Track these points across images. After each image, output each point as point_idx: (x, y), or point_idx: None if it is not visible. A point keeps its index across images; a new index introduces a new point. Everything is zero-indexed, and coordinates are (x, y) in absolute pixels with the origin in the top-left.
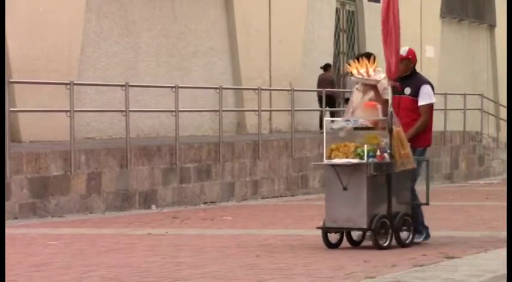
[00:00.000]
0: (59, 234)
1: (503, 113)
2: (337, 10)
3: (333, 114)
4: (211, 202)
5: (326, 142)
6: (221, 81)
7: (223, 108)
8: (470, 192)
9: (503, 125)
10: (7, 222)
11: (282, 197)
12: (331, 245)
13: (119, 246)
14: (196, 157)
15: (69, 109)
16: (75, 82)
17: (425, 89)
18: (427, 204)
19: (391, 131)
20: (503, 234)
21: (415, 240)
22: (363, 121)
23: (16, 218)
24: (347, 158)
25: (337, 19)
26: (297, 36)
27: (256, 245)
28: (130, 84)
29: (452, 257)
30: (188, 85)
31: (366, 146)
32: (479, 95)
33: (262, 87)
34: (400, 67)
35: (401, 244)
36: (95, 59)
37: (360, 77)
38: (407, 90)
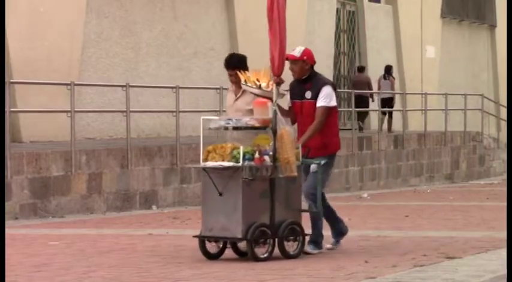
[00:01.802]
0: (60, 235)
1: (504, 113)
2: (337, 10)
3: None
4: None
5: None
6: (221, 81)
7: (224, 109)
8: (471, 193)
9: (504, 125)
10: (8, 223)
11: None
12: (210, 256)
13: (119, 246)
14: (196, 157)
15: (69, 109)
16: (75, 82)
17: (325, 90)
18: (317, 211)
19: (275, 132)
20: (504, 234)
21: (310, 250)
22: (248, 120)
23: (17, 219)
24: (223, 160)
25: (338, 19)
26: (297, 36)
27: None
28: (131, 84)
29: (453, 257)
30: (189, 85)
31: (241, 147)
32: (479, 95)
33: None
34: (295, 68)
35: (286, 255)
36: (95, 60)
37: (261, 91)
38: (308, 94)
